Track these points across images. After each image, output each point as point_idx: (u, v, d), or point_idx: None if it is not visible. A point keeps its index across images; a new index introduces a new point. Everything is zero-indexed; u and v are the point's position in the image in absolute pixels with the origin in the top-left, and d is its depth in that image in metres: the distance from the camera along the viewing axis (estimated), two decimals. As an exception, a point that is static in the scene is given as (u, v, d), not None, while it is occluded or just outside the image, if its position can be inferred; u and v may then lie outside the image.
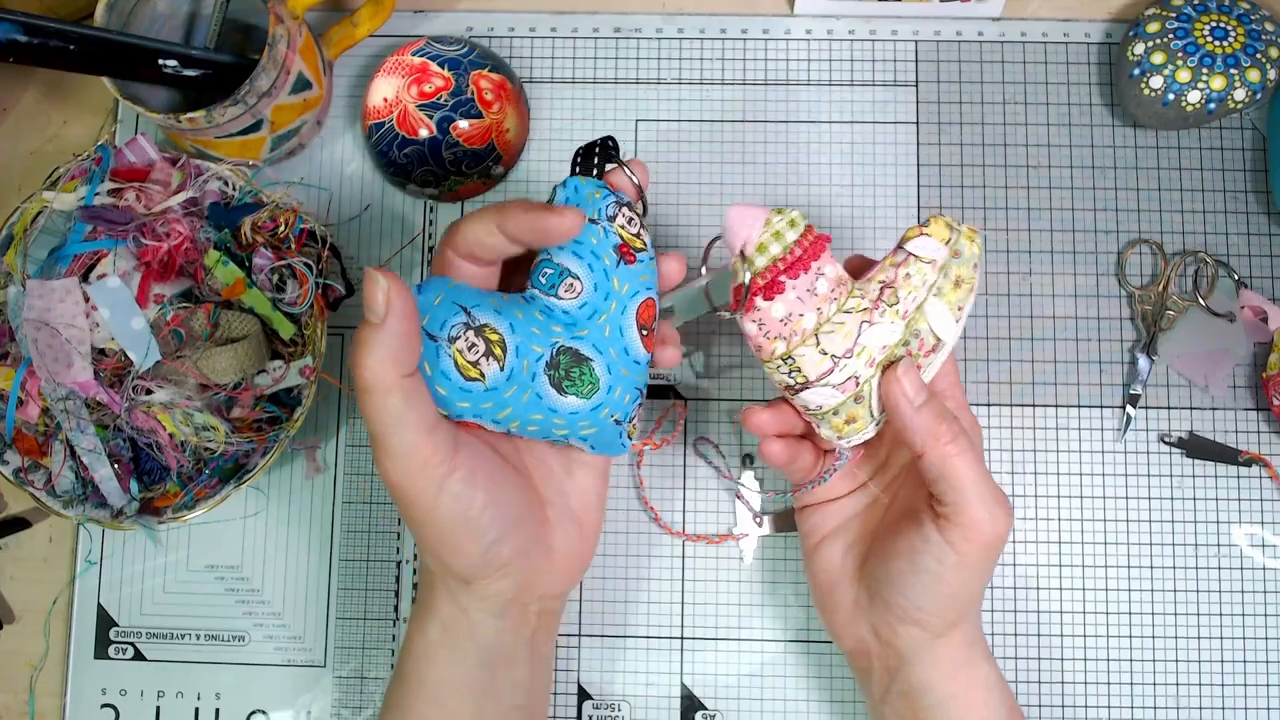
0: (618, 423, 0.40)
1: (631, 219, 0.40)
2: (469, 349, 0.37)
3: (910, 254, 0.41)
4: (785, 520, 0.53)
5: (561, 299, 0.39)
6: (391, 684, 0.43)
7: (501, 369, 0.38)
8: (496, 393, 0.38)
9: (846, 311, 0.40)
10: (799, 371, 0.41)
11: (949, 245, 0.41)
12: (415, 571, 0.53)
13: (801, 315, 0.40)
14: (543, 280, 0.39)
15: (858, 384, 0.40)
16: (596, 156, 0.40)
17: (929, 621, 0.41)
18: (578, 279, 0.39)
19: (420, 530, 0.38)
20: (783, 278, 0.40)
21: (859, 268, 0.43)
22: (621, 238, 0.40)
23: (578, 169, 0.40)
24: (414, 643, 0.42)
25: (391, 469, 0.37)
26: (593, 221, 0.39)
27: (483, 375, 0.37)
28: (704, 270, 0.44)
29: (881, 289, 0.41)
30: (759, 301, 0.40)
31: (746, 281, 0.40)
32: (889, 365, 0.41)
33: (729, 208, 0.41)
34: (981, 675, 0.43)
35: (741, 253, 0.41)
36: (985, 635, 0.45)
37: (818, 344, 0.40)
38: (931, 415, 0.40)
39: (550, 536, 0.42)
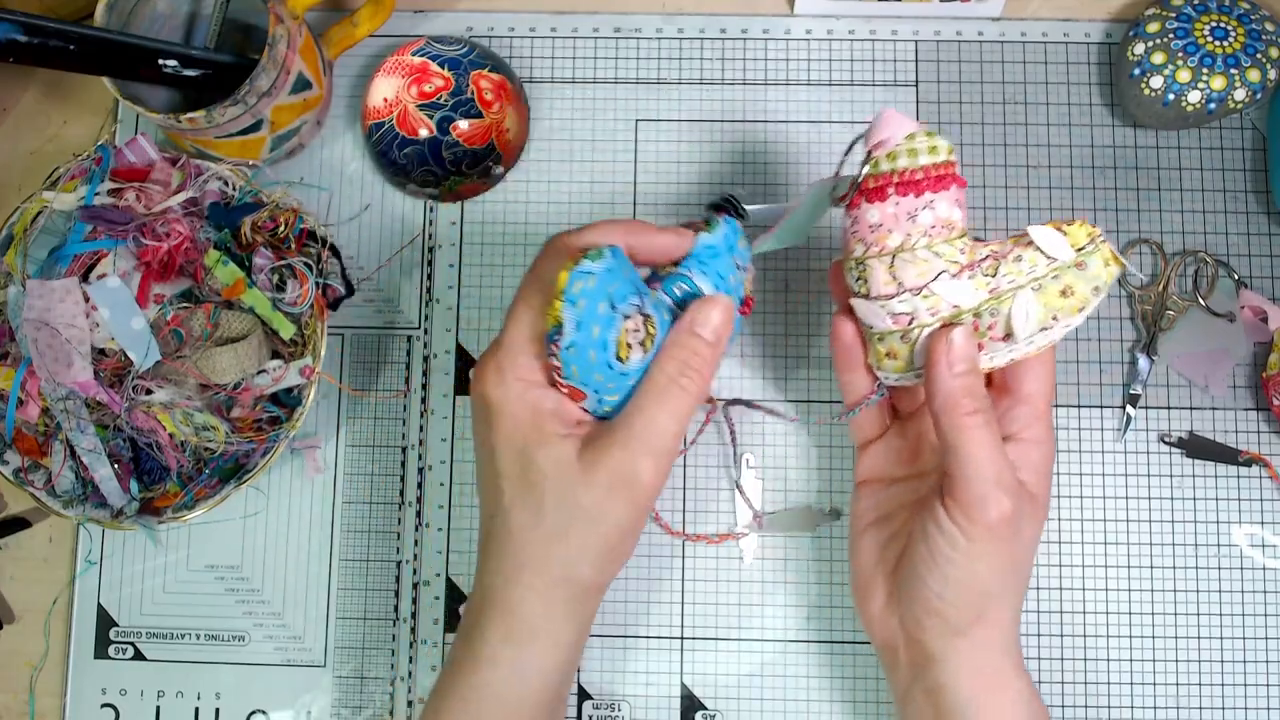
0: None
1: (754, 277, 0.44)
2: (633, 332, 0.38)
3: (1032, 241, 0.40)
4: (794, 520, 0.53)
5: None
6: (434, 697, 0.42)
7: (641, 360, 0.39)
8: (625, 379, 0.39)
9: (936, 253, 0.39)
10: (864, 281, 0.41)
11: (1079, 253, 0.40)
12: (399, 566, 0.53)
13: (890, 231, 0.40)
14: (676, 292, 0.41)
15: (910, 323, 0.40)
16: (729, 210, 0.44)
17: (949, 613, 0.41)
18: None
19: (621, 532, 0.39)
20: (891, 190, 0.39)
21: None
22: (746, 291, 0.43)
23: (722, 215, 0.43)
24: (495, 676, 0.40)
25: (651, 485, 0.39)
26: (738, 267, 0.42)
27: (626, 359, 0.38)
28: (843, 160, 0.43)
29: (986, 257, 0.40)
30: (862, 202, 0.40)
31: (859, 178, 0.40)
32: (948, 324, 0.40)
33: (884, 108, 0.41)
34: (1010, 687, 0.42)
35: (870, 151, 0.40)
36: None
37: (891, 264, 0.40)
38: (963, 384, 0.39)
39: None
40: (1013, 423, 0.42)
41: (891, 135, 0.40)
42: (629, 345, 0.38)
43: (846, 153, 0.43)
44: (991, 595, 0.41)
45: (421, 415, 0.55)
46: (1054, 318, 0.39)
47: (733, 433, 0.53)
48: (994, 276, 0.39)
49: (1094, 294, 0.39)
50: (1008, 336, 0.40)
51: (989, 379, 0.43)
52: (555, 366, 0.37)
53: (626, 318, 0.38)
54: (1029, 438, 0.42)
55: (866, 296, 0.41)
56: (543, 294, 0.39)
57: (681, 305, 0.41)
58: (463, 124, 0.53)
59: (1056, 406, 0.54)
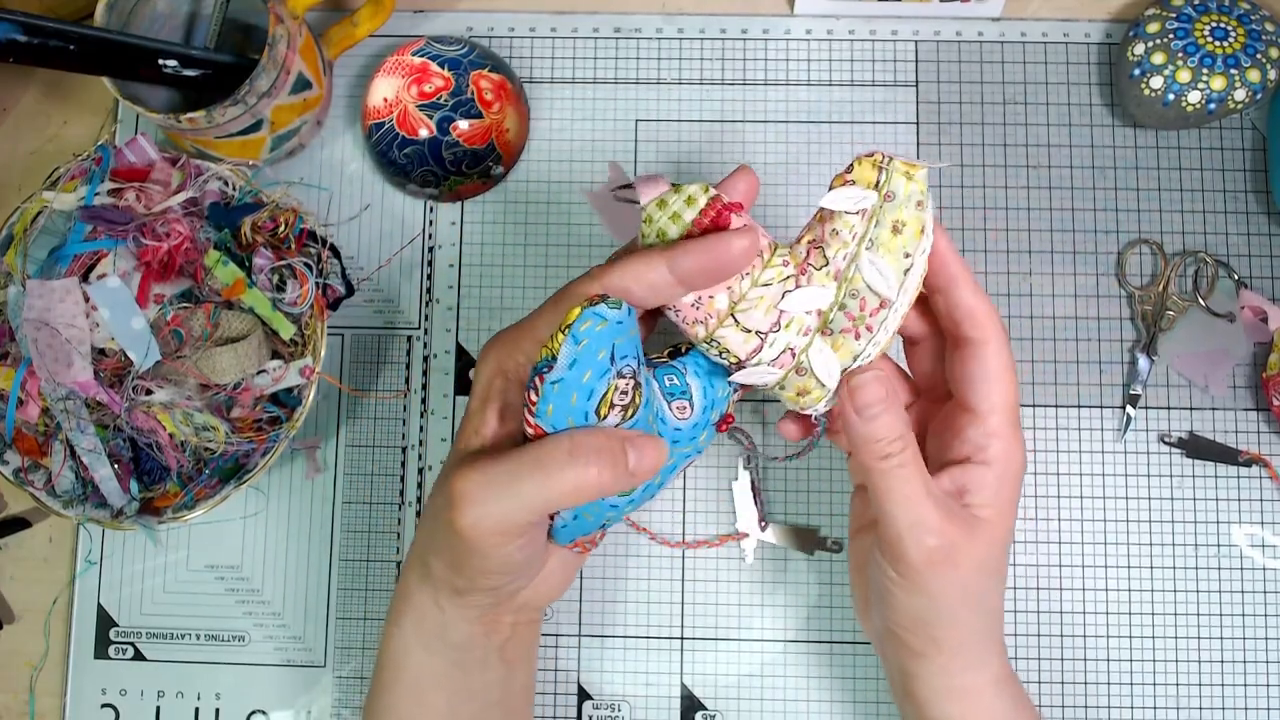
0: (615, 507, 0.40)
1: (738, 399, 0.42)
2: (620, 393, 0.36)
3: (833, 210, 0.37)
4: (795, 537, 0.53)
5: (672, 411, 0.39)
6: (373, 679, 0.43)
7: (619, 423, 0.36)
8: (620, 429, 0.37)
9: (765, 284, 0.36)
10: (728, 352, 0.37)
11: (879, 188, 0.37)
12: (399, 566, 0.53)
13: (711, 297, 0.37)
14: (666, 383, 0.39)
15: (794, 355, 0.37)
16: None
17: (906, 639, 0.40)
18: (689, 404, 0.39)
19: (457, 557, 0.37)
20: None
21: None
22: (729, 408, 0.41)
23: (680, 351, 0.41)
24: (390, 636, 0.41)
25: (477, 527, 0.35)
26: (729, 382, 0.40)
27: (604, 417, 0.36)
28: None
29: (809, 250, 0.37)
30: None
31: None
32: (850, 371, 0.37)
33: (637, 180, 0.38)
34: (985, 708, 0.40)
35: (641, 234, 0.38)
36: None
37: (737, 323, 0.37)
38: (869, 430, 0.37)
39: (548, 560, 0.41)
40: (964, 444, 0.39)
41: (648, 199, 0.37)
42: (611, 405, 0.36)
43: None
44: (940, 624, 0.39)
45: (421, 415, 0.55)
46: (905, 255, 0.37)
47: (750, 446, 0.52)
48: (828, 264, 0.37)
49: (919, 209, 0.37)
50: (882, 304, 0.37)
51: (944, 394, 0.41)
52: (532, 401, 0.35)
53: (620, 376, 0.35)
54: (983, 459, 0.39)
55: (740, 364, 0.38)
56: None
57: (668, 396, 0.39)
58: (463, 124, 0.53)
59: (1056, 407, 0.54)
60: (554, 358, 0.34)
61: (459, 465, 0.36)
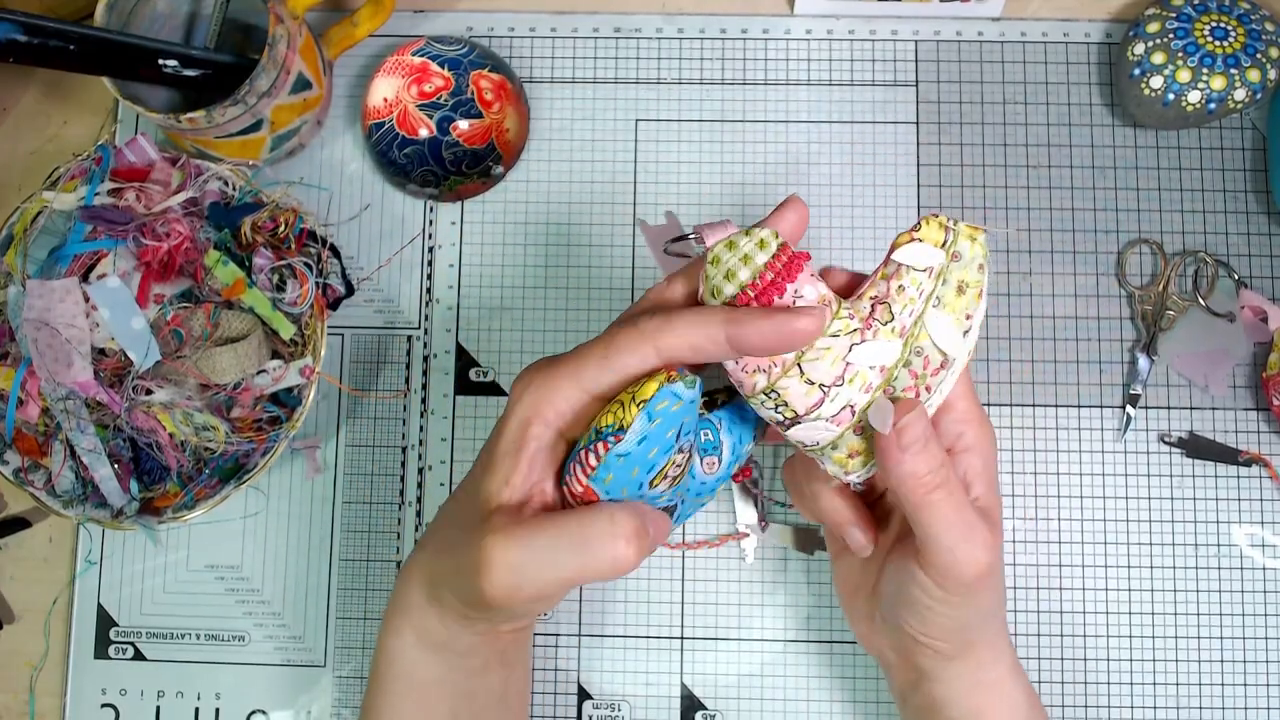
0: None
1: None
2: (675, 466, 0.36)
3: (901, 264, 0.36)
4: (794, 536, 0.53)
5: (703, 467, 0.39)
6: (370, 685, 0.42)
7: (665, 491, 0.36)
8: (642, 501, 0.37)
9: (834, 335, 0.35)
10: (786, 405, 0.36)
11: (945, 248, 0.36)
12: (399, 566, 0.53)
13: None
14: (701, 438, 0.39)
15: (854, 414, 0.36)
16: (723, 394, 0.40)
17: (939, 646, 0.40)
18: (719, 460, 0.39)
19: (480, 609, 0.37)
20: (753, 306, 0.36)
21: (848, 286, 0.38)
22: (746, 459, 0.41)
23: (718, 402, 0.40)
24: (389, 644, 0.41)
25: (512, 597, 0.35)
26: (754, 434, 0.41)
27: (654, 486, 0.36)
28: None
29: (873, 306, 0.36)
30: None
31: None
32: (895, 400, 0.36)
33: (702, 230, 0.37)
34: (1007, 697, 0.41)
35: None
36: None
37: (802, 373, 0.35)
38: (913, 466, 0.36)
39: None
40: (943, 437, 0.39)
41: (715, 239, 0.36)
42: (665, 476, 0.36)
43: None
44: (978, 627, 0.40)
45: (421, 415, 0.55)
46: (967, 316, 0.37)
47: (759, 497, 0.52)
48: (894, 319, 0.36)
49: (981, 272, 0.37)
50: (943, 364, 0.37)
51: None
52: (591, 465, 0.34)
53: (680, 450, 0.35)
54: (963, 446, 0.39)
55: (797, 419, 0.36)
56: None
57: (700, 452, 0.39)
58: (463, 124, 0.53)
59: (1056, 407, 0.54)
60: (623, 428, 0.33)
61: (492, 527, 0.35)
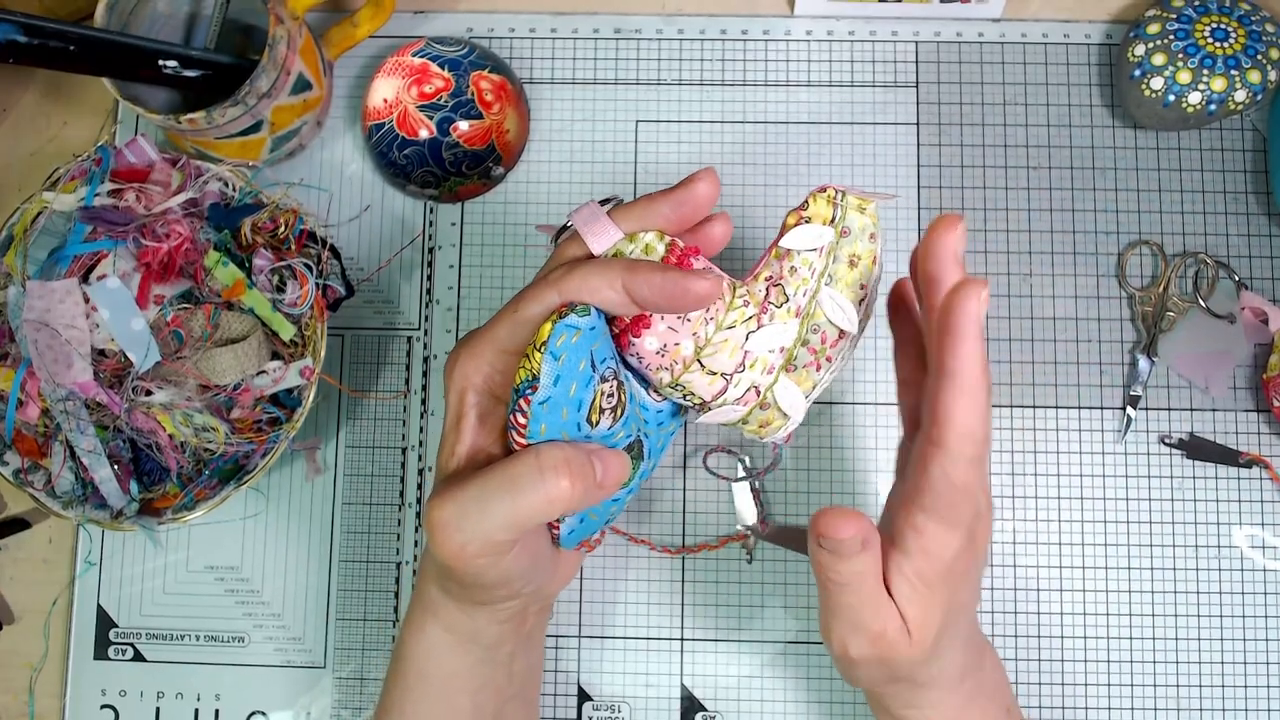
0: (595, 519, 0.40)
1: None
2: (607, 397, 0.36)
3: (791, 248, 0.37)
4: (795, 537, 0.53)
5: (650, 396, 0.39)
6: (389, 683, 0.43)
7: (610, 428, 0.37)
8: (591, 442, 0.37)
9: (730, 328, 0.36)
10: (693, 395, 0.37)
11: (835, 224, 0.37)
12: (415, 573, 0.53)
13: (678, 344, 0.36)
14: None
15: (759, 393, 0.37)
16: None
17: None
18: None
19: (457, 581, 0.38)
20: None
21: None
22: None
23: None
24: (414, 642, 0.42)
25: (460, 555, 0.35)
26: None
27: (596, 423, 0.36)
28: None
29: (768, 288, 0.37)
30: (630, 339, 0.37)
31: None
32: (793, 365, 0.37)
33: (577, 218, 0.37)
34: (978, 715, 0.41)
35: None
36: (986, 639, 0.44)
37: (703, 368, 0.37)
38: (850, 562, 0.35)
39: (558, 554, 0.42)
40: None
41: (602, 251, 0.37)
42: (600, 410, 0.36)
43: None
44: (949, 631, 0.38)
45: (421, 416, 0.55)
46: (862, 287, 0.37)
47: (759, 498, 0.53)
48: (789, 300, 0.37)
49: (873, 241, 0.37)
50: (841, 336, 0.37)
51: (917, 422, 0.40)
52: (521, 423, 0.34)
53: (603, 380, 0.35)
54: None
55: (705, 406, 0.37)
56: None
57: (643, 384, 0.39)
58: (463, 125, 0.53)
59: (1057, 408, 0.54)
60: (535, 377, 0.34)
61: (434, 493, 0.36)
